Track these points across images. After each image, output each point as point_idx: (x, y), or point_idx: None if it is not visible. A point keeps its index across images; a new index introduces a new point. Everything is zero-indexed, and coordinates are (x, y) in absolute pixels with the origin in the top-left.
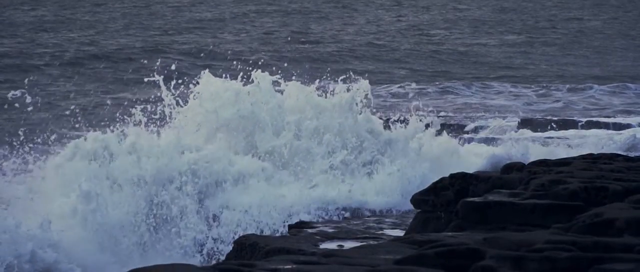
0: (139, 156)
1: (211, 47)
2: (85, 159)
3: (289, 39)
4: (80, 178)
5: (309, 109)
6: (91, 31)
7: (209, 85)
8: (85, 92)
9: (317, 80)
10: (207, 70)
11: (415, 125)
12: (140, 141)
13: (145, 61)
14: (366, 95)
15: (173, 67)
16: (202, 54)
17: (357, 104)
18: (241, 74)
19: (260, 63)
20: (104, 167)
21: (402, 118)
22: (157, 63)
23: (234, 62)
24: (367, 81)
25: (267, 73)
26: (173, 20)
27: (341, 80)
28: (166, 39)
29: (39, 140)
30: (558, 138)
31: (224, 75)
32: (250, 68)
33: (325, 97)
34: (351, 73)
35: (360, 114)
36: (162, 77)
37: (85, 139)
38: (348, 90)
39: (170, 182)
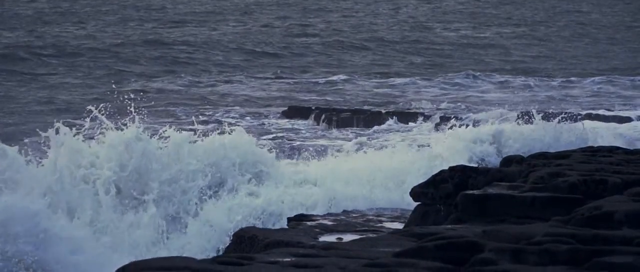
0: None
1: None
2: None
3: (288, 31)
4: None
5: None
6: (90, 23)
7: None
8: (82, 84)
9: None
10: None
11: None
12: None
13: (141, 48)
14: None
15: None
16: (201, 46)
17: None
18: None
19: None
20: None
21: None
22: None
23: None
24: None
25: (248, 135)
26: (172, 11)
27: None
28: (165, 31)
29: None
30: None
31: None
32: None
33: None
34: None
35: None
36: (100, 107)
37: None
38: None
39: None
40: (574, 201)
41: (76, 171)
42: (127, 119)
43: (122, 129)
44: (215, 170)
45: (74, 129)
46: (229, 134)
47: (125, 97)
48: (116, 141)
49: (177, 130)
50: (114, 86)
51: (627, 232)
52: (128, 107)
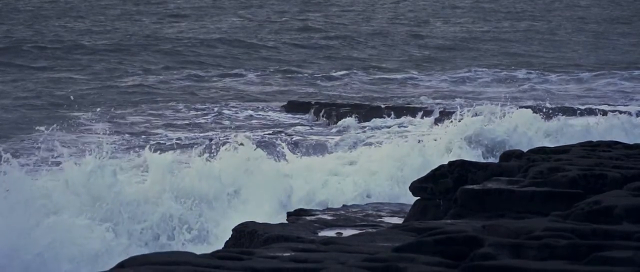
0: None
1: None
2: None
3: (288, 25)
4: None
5: None
6: (89, 18)
7: None
8: (82, 79)
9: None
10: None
11: None
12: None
13: (140, 43)
14: None
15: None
16: (201, 40)
17: None
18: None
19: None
20: None
21: None
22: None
23: None
24: None
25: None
26: (172, 5)
27: None
28: (165, 26)
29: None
30: None
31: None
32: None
33: None
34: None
35: None
36: (53, 127)
37: None
38: None
39: None
40: (574, 195)
41: (25, 220)
42: (93, 145)
43: (83, 157)
44: (205, 219)
45: (22, 158)
46: (233, 149)
47: (88, 114)
48: (74, 177)
49: (158, 151)
50: (114, 82)
51: (626, 227)
52: (95, 130)
